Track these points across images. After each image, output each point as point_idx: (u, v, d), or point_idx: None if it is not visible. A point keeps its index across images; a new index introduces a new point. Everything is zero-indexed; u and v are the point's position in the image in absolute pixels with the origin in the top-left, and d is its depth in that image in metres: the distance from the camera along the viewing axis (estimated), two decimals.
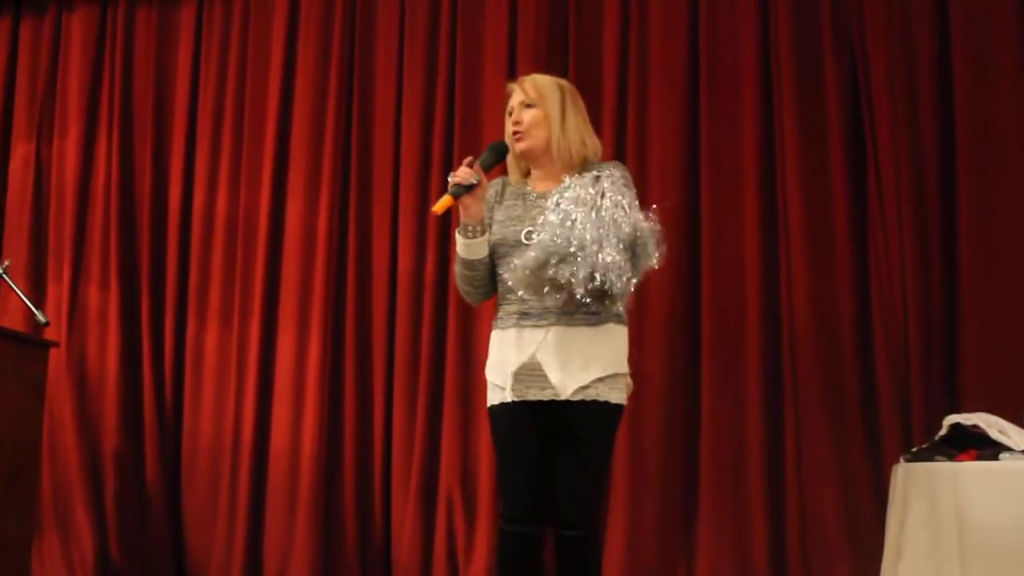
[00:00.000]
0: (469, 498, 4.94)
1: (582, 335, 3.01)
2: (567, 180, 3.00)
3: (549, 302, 2.92)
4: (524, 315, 3.05)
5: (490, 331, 3.21)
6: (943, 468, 3.59)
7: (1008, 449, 3.57)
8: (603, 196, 2.89)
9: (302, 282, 5.32)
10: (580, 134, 3.17)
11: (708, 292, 4.77)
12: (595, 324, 3.03)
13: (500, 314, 3.15)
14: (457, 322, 5.02)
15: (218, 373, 5.44)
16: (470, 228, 3.06)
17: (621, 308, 3.06)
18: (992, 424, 3.69)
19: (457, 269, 3.16)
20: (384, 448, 5.16)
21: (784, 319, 4.67)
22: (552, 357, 3.00)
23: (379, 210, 5.31)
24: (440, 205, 2.95)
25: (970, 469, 3.55)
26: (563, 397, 2.98)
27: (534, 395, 3.02)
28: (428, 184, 5.22)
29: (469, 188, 2.99)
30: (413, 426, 5.07)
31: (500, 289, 3.14)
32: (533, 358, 3.01)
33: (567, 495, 2.98)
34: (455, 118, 5.22)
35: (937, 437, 3.83)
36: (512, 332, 3.07)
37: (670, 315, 4.80)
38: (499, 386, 3.10)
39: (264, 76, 5.58)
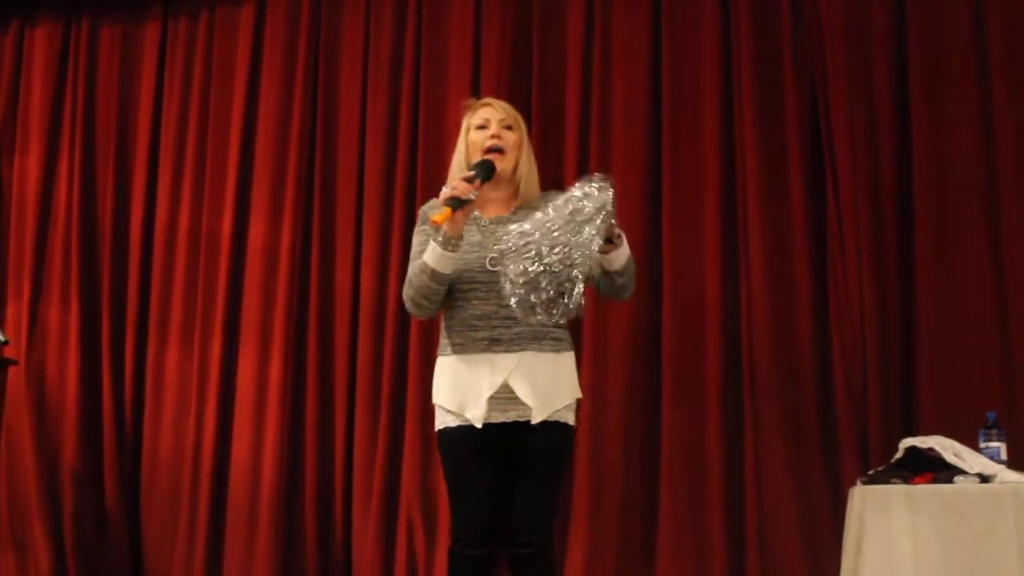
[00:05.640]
0: (430, 518, 4.93)
1: (549, 361, 3.07)
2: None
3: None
4: (495, 341, 3.05)
5: None
6: (899, 491, 3.63)
7: (963, 472, 3.62)
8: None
9: (264, 302, 5.31)
10: (534, 168, 3.24)
11: (669, 315, 4.78)
12: (558, 351, 3.10)
13: (460, 340, 3.11)
14: (419, 343, 5.00)
15: (179, 392, 5.41)
16: (452, 241, 3.03)
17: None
18: (947, 447, 3.74)
19: (420, 280, 3.06)
20: (345, 468, 5.15)
21: (744, 343, 4.69)
22: (525, 383, 3.03)
23: (342, 231, 5.31)
24: (441, 216, 2.94)
25: (925, 492, 3.60)
26: (536, 421, 3.01)
27: (496, 417, 3.03)
28: (391, 205, 5.22)
29: (464, 203, 2.99)
30: (374, 446, 5.06)
31: (464, 315, 3.11)
32: (505, 383, 3.03)
33: (527, 514, 3.01)
34: (419, 140, 5.23)
35: (893, 460, 3.88)
36: (483, 357, 3.07)
37: (631, 338, 4.82)
38: (452, 412, 3.09)
39: (228, 95, 5.57)
